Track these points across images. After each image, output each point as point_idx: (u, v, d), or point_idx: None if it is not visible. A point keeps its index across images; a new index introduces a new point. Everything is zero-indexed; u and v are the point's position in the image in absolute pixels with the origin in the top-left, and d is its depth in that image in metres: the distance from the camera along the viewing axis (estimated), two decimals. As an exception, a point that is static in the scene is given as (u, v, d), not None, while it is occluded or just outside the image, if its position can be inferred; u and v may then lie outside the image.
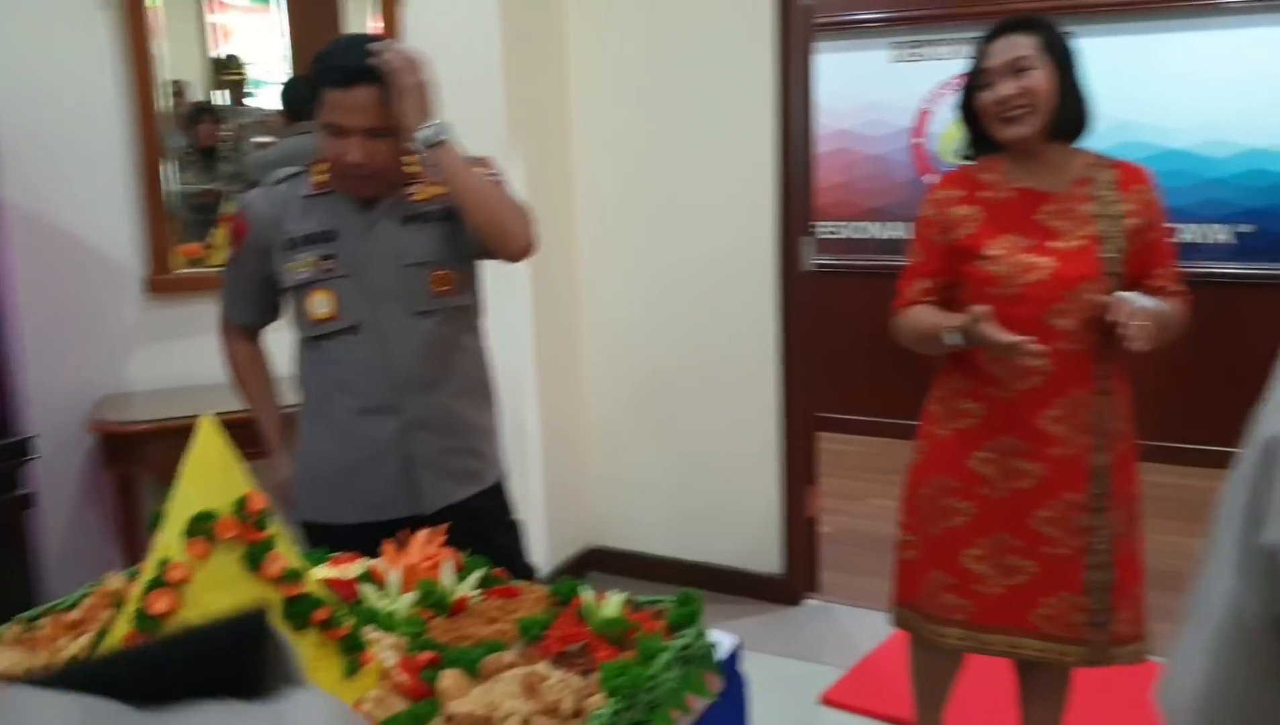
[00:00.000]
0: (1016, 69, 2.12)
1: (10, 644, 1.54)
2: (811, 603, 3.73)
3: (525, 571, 2.21)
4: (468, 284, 2.23)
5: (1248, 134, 4.68)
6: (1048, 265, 2.14)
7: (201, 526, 1.26)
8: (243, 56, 3.71)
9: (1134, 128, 4.82)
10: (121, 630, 1.25)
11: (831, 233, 5.50)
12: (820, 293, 3.74)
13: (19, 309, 2.78)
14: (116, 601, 1.57)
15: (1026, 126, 2.12)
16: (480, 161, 2.14)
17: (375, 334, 2.12)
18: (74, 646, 1.49)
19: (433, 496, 2.16)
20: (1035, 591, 2.25)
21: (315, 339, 2.15)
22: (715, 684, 1.53)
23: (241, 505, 1.29)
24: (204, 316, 3.25)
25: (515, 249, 2.11)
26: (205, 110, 3.60)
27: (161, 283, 3.19)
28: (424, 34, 3.34)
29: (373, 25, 3.36)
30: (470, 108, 2.24)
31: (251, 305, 2.28)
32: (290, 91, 3.72)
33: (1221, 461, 5.07)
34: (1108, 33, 4.81)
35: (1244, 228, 4.79)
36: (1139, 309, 2.01)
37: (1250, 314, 4.78)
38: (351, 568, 1.69)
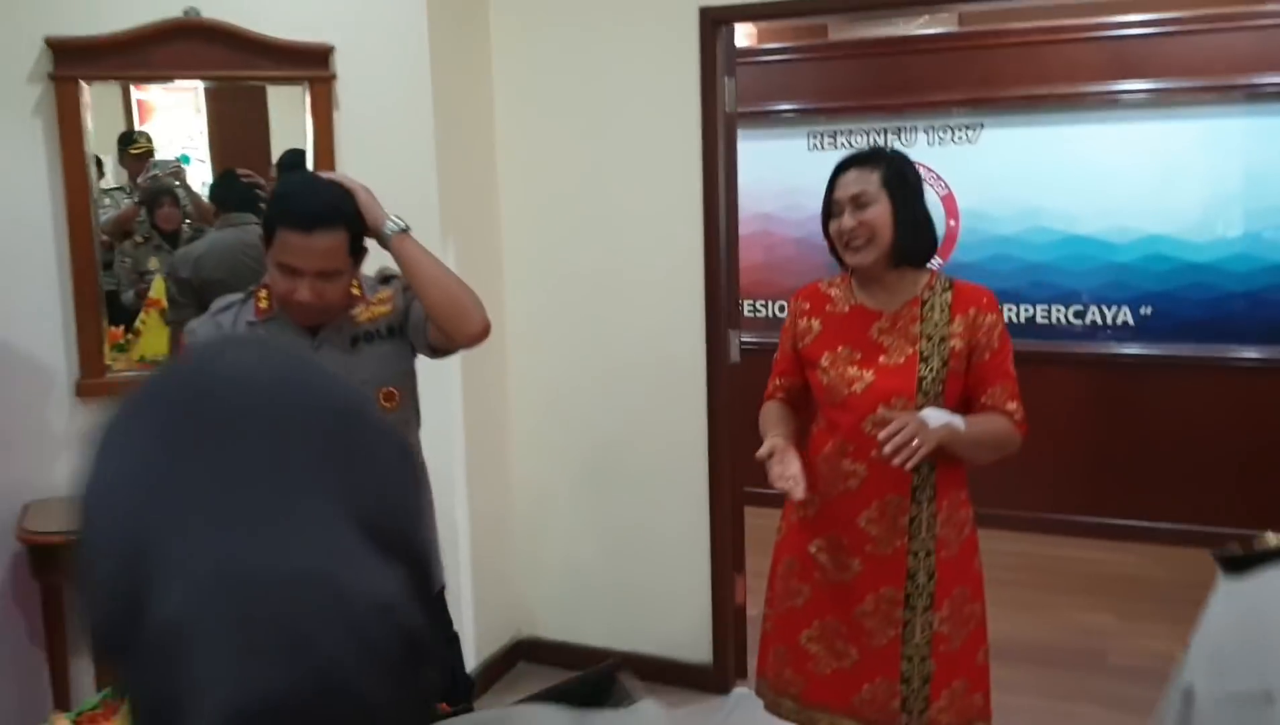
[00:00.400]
0: (858, 203, 2.29)
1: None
2: (740, 690, 3.79)
3: (464, 684, 2.25)
4: (410, 398, 2.32)
5: (1148, 220, 4.95)
6: (868, 378, 2.33)
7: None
8: (151, 134, 3.73)
9: (1042, 214, 5.07)
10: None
11: (753, 312, 5.65)
12: (745, 370, 3.84)
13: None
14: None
15: (867, 256, 2.31)
16: None
17: None
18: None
19: None
20: (858, 676, 2.42)
21: None
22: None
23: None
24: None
25: (475, 332, 2.21)
26: (165, 192, 3.62)
27: (92, 386, 3.17)
28: (356, 135, 3.40)
29: (308, 126, 3.40)
30: (403, 202, 2.30)
31: None
32: (222, 185, 3.75)
33: (1124, 534, 5.27)
34: (1019, 123, 5.08)
35: (1144, 310, 5.04)
36: (921, 426, 2.16)
37: (1151, 392, 5.02)
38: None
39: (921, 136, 5.27)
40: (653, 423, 3.79)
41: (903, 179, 2.33)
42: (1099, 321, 5.10)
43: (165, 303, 3.76)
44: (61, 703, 3.15)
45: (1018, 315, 5.20)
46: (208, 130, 3.89)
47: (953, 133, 5.20)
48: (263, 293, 2.25)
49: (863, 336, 2.36)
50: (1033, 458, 5.32)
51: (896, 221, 2.29)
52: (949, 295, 2.34)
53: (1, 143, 3.03)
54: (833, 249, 2.41)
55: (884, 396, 2.30)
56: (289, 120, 3.71)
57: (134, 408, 0.65)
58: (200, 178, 3.88)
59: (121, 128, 3.67)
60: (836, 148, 5.41)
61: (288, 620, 0.57)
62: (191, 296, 3.57)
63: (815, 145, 5.48)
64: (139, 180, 3.71)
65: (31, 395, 3.12)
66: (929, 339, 2.31)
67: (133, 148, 3.70)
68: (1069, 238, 5.06)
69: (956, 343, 2.30)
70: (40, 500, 3.10)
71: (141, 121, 3.77)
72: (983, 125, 5.13)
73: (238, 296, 2.30)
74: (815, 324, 2.43)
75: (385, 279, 2.34)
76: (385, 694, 0.58)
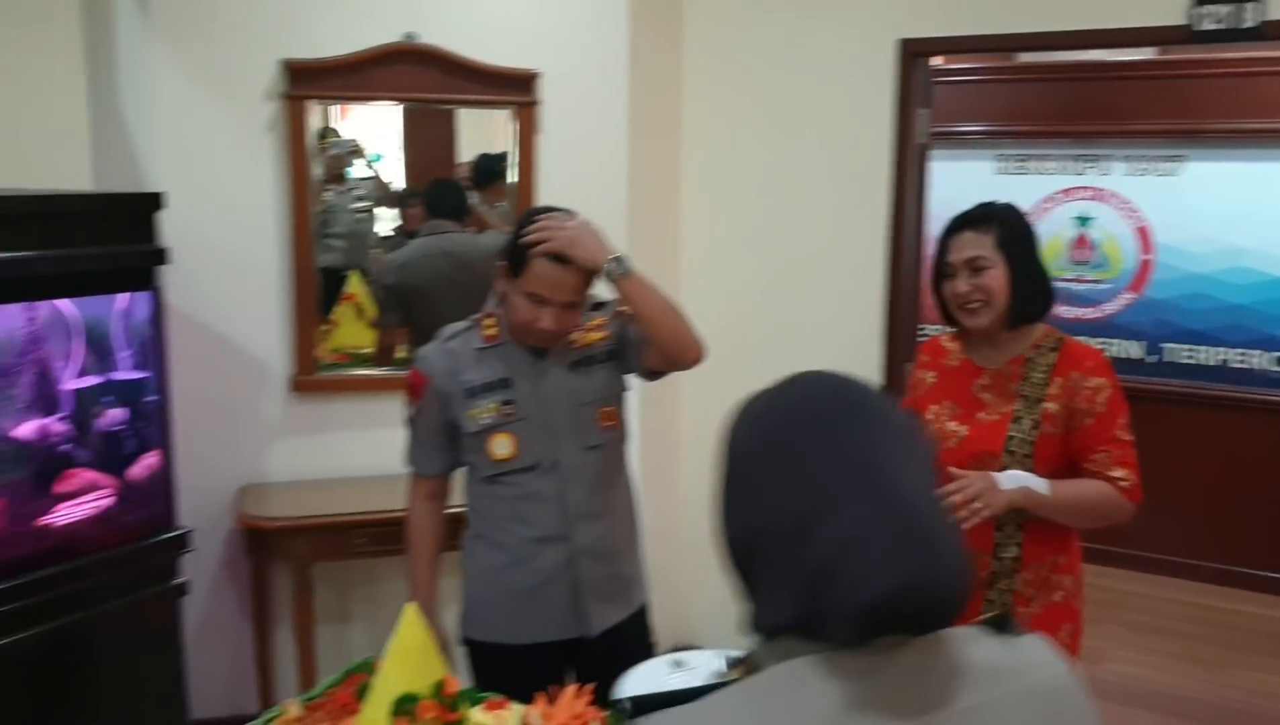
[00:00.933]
0: (973, 267, 2.26)
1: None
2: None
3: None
4: (622, 417, 2.46)
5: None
6: (962, 433, 2.34)
7: (405, 707, 1.43)
8: (347, 133, 3.97)
9: (1244, 254, 4.87)
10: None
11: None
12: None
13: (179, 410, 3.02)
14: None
15: (983, 319, 2.29)
16: None
17: (551, 470, 2.32)
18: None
19: (597, 620, 2.34)
20: None
21: (494, 476, 2.33)
22: None
23: (439, 689, 1.46)
24: (341, 415, 3.51)
25: (694, 357, 2.35)
26: (412, 195, 3.92)
27: (304, 383, 3.42)
28: (555, 153, 3.56)
29: (511, 145, 3.58)
30: (593, 214, 2.40)
31: (439, 455, 2.42)
32: (440, 192, 3.97)
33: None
34: (1224, 158, 4.88)
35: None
36: (985, 488, 2.13)
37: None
38: (506, 715, 1.84)
39: (1119, 166, 5.12)
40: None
41: (1018, 239, 2.29)
42: (1303, 369, 4.87)
43: (361, 298, 4.01)
44: (264, 668, 3.43)
45: (1211, 357, 5.01)
46: (403, 135, 4.13)
47: (1153, 164, 5.04)
48: (487, 321, 2.37)
49: (965, 392, 2.37)
50: (1218, 506, 5.17)
51: (1013, 284, 2.26)
52: (1055, 355, 2.31)
53: (238, 155, 3.30)
54: (941, 308, 2.39)
55: (973, 453, 2.29)
56: (473, 130, 3.97)
57: (774, 422, 1.04)
58: (387, 178, 4.14)
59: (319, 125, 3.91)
60: (1026, 172, 5.32)
61: (927, 533, 0.94)
62: (396, 302, 3.81)
63: (1003, 168, 5.40)
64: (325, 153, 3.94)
65: (250, 389, 3.39)
66: (1025, 399, 2.29)
67: (326, 143, 3.94)
68: (1272, 280, 4.84)
69: (1051, 406, 2.26)
70: (254, 485, 3.38)
71: (341, 119, 4.02)
72: (1185, 157, 4.95)
73: (463, 325, 2.42)
74: (929, 377, 2.46)
75: (596, 306, 2.43)
76: (962, 590, 0.95)
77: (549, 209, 2.31)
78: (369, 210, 4.16)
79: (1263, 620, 4.61)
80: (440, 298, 3.77)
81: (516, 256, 2.24)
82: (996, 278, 2.26)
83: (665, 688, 1.76)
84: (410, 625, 1.49)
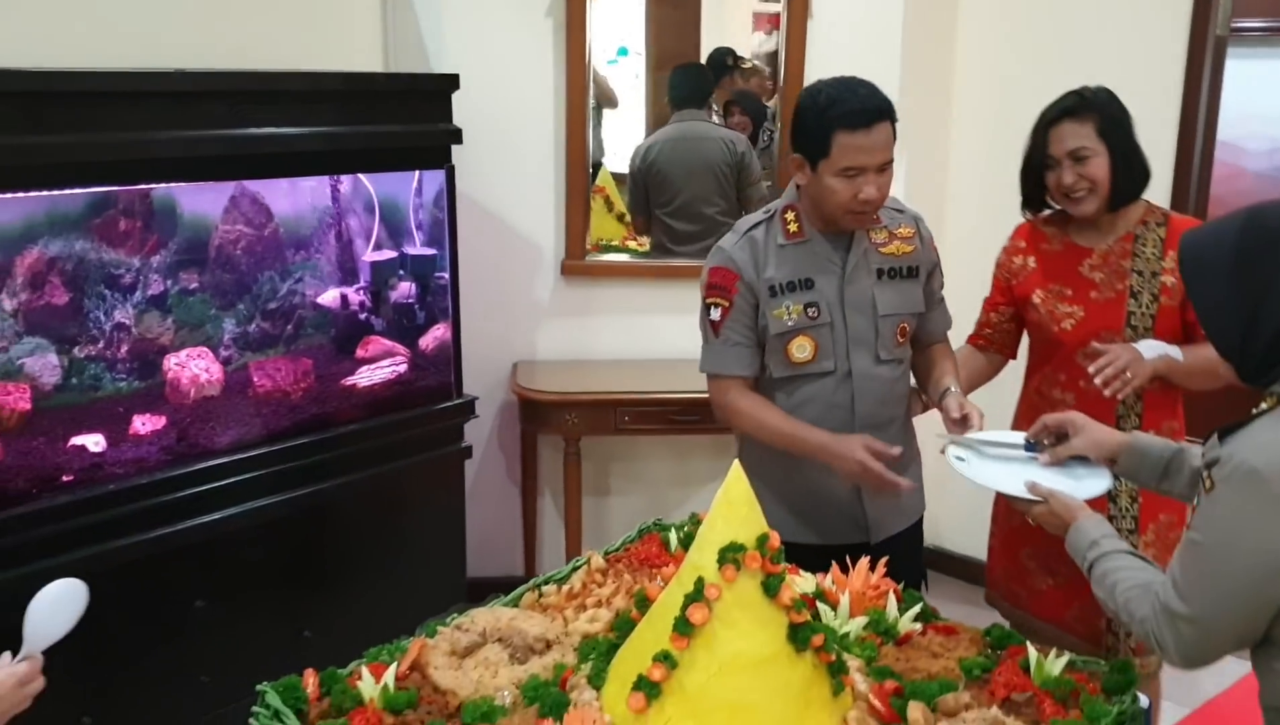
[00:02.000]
0: (1076, 157, 2.29)
1: (530, 607, 1.87)
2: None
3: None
4: (911, 336, 2.38)
5: None
6: (1078, 315, 2.37)
7: (731, 556, 1.50)
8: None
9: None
10: (661, 629, 1.51)
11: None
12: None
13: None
14: (616, 583, 1.87)
15: (1089, 205, 2.32)
16: None
17: (845, 378, 2.25)
18: (588, 621, 1.79)
19: (877, 528, 2.30)
20: (1068, 595, 2.44)
21: (790, 378, 2.27)
22: (1143, 745, 1.65)
23: (763, 541, 1.52)
24: (604, 299, 3.63)
25: None
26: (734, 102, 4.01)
27: (573, 267, 3.55)
28: (826, 44, 3.51)
29: (780, 31, 3.55)
30: None
31: (753, 353, 2.29)
32: (683, 79, 3.97)
33: None
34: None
35: None
36: (1133, 360, 2.19)
37: None
38: (799, 581, 1.91)
39: None
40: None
41: (1117, 125, 2.31)
42: None
43: (610, 191, 4.10)
44: (529, 533, 3.65)
45: None
46: (645, 27, 4.13)
47: None
48: (789, 215, 2.26)
49: (1073, 273, 2.39)
50: None
51: (1114, 169, 2.29)
52: (1163, 230, 2.35)
53: (519, 41, 3.40)
54: (1031, 195, 2.43)
55: (1093, 332, 2.34)
56: (716, 20, 3.94)
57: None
58: (634, 70, 4.13)
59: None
60: (1320, 72, 4.87)
61: None
62: (638, 187, 3.88)
63: (1294, 67, 4.96)
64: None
65: (525, 270, 3.55)
66: (1140, 275, 2.34)
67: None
68: None
69: (1168, 279, 2.31)
70: (526, 361, 3.56)
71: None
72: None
73: (759, 217, 2.31)
74: (1030, 262, 2.46)
75: (902, 211, 2.35)
76: None
77: (834, 81, 2.18)
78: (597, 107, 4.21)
79: None
80: (676, 184, 3.82)
81: (816, 137, 2.13)
82: (1100, 166, 2.29)
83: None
84: (737, 479, 1.55)
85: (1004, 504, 2.54)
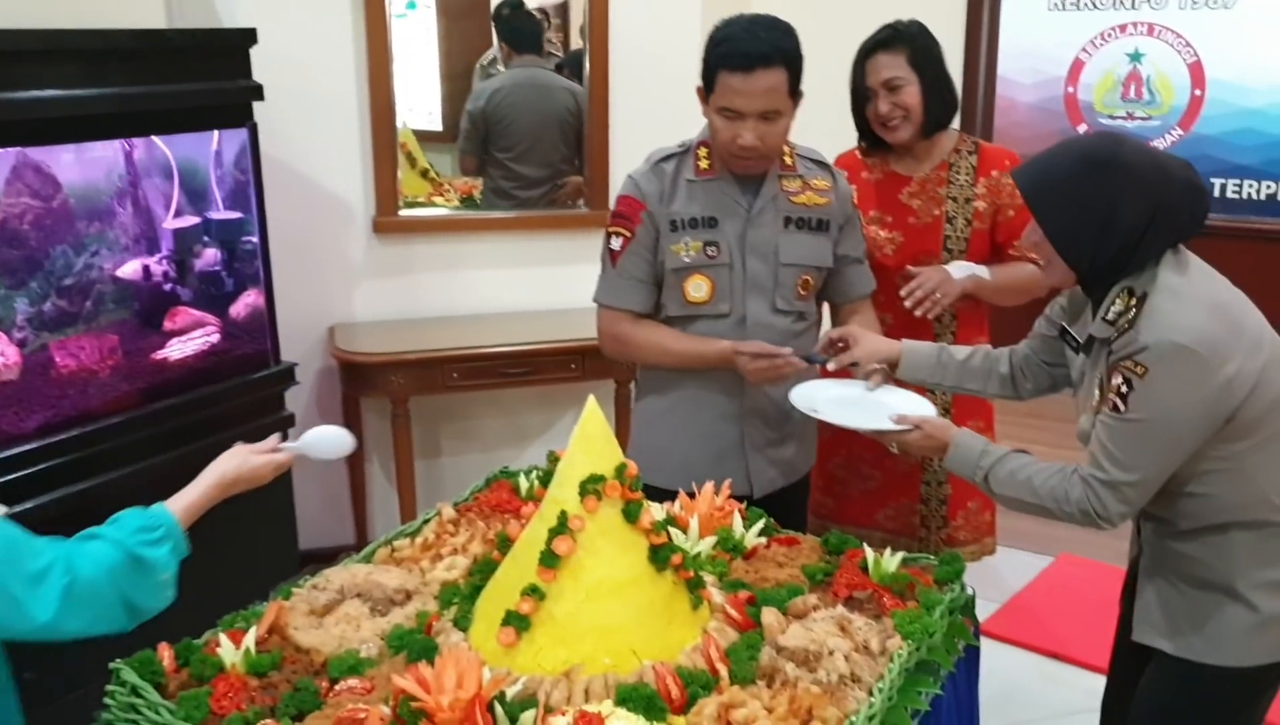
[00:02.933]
0: (890, 87, 2.44)
1: (384, 562, 1.86)
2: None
3: None
4: (815, 294, 2.35)
5: None
6: (897, 240, 2.53)
7: (592, 487, 1.54)
8: None
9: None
10: (527, 564, 1.54)
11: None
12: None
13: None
14: (470, 530, 1.88)
15: (904, 133, 2.47)
16: None
17: (739, 323, 2.22)
18: (445, 569, 1.80)
19: (760, 482, 2.30)
20: (881, 497, 2.68)
21: (685, 318, 2.24)
22: (970, 628, 1.80)
23: (621, 470, 1.56)
24: (421, 256, 3.58)
25: None
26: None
27: (386, 224, 3.49)
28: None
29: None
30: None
31: (647, 289, 2.26)
32: (513, 23, 3.93)
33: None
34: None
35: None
36: (944, 280, 2.37)
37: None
38: (653, 511, 1.96)
39: (1173, 1, 5.06)
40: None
41: (928, 55, 2.45)
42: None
43: (411, 147, 4.04)
44: (359, 501, 3.59)
45: (1258, 192, 5.03)
46: None
47: (1206, -3, 4.97)
48: (702, 151, 2.23)
49: (893, 200, 2.53)
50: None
51: (926, 97, 2.43)
52: (974, 158, 2.53)
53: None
54: (862, 130, 2.56)
55: (912, 256, 2.50)
56: None
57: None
58: (424, 23, 4.01)
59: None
60: (1079, 8, 5.24)
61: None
62: (476, 129, 3.85)
63: (1056, 5, 5.31)
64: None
65: (336, 230, 3.45)
66: (954, 200, 2.50)
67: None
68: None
69: (980, 204, 2.49)
70: (343, 323, 3.48)
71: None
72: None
73: (673, 149, 2.27)
74: (853, 189, 2.49)
75: (822, 164, 2.34)
76: None
77: (741, 19, 2.13)
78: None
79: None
80: (520, 130, 3.80)
81: (705, 72, 2.11)
82: (912, 94, 2.43)
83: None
84: (593, 414, 1.59)
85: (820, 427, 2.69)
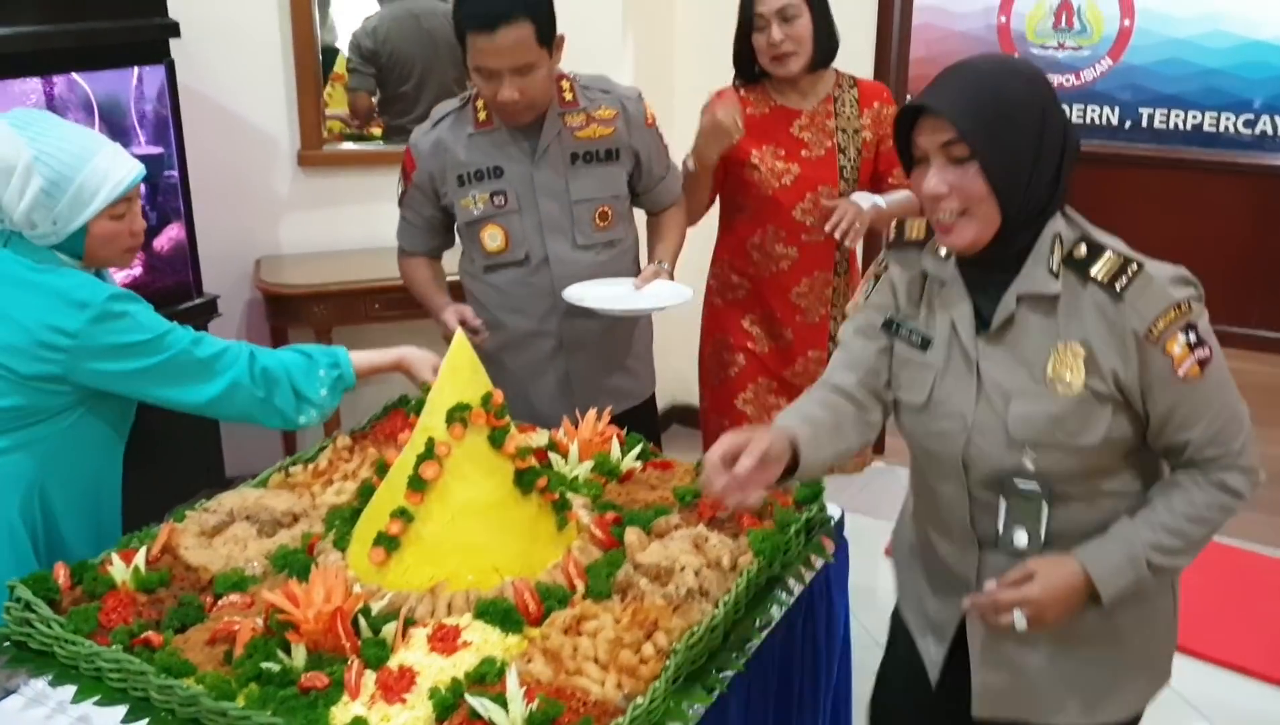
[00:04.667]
0: (784, 16, 2.47)
1: (278, 488, 1.97)
2: (877, 465, 4.11)
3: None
4: (625, 219, 2.43)
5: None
6: (795, 171, 2.58)
7: (458, 415, 1.64)
8: None
9: (1222, 17, 4.92)
10: (397, 488, 1.64)
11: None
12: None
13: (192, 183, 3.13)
14: (362, 457, 1.99)
15: (794, 65, 2.51)
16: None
17: (542, 265, 2.31)
18: (334, 494, 1.90)
19: (586, 411, 2.27)
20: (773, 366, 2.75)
21: (491, 267, 2.34)
22: (831, 547, 1.92)
23: (487, 399, 1.66)
24: (346, 189, 3.63)
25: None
26: None
27: (311, 157, 3.53)
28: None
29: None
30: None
31: (426, 235, 2.44)
32: None
33: (1269, 346, 5.25)
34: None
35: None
36: (858, 211, 2.46)
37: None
38: (534, 437, 2.08)
39: (1104, -71, 5.10)
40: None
41: None
42: (1269, 131, 5.01)
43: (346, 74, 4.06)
44: (288, 434, 3.67)
45: (1184, 121, 5.13)
46: None
47: (1137, -74, 5.02)
48: (480, 102, 2.26)
49: (785, 134, 2.59)
50: (1193, 264, 5.34)
51: (816, 29, 2.49)
52: (855, 92, 2.63)
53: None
54: (741, 61, 2.59)
55: (810, 186, 2.58)
56: None
57: None
58: None
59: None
60: (1012, -61, 5.28)
61: None
62: (371, 63, 3.87)
63: (990, -64, 5.35)
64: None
65: (260, 163, 3.50)
66: (844, 132, 2.60)
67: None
68: (1248, 43, 4.92)
69: (867, 134, 2.61)
70: (270, 256, 3.54)
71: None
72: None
73: (454, 104, 2.33)
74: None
75: (605, 90, 2.35)
76: None
77: None
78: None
79: (1240, 374, 4.90)
80: (409, 62, 3.82)
81: (457, 32, 2.14)
82: (805, 26, 2.48)
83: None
84: (460, 346, 1.69)
85: (708, 364, 2.84)
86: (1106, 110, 5.23)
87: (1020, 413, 1.48)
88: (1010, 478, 1.51)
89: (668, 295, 2.31)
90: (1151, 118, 5.18)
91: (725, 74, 2.69)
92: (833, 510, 1.98)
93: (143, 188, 3.04)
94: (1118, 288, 1.42)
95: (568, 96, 2.31)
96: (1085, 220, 1.51)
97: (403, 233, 2.49)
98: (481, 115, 2.29)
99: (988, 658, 1.62)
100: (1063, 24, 5.24)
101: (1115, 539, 1.49)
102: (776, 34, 2.47)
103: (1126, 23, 5.13)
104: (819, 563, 1.87)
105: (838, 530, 1.98)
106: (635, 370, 2.54)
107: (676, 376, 4.35)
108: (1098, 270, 1.43)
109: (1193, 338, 1.42)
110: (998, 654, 1.61)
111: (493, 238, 2.31)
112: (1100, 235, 1.49)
